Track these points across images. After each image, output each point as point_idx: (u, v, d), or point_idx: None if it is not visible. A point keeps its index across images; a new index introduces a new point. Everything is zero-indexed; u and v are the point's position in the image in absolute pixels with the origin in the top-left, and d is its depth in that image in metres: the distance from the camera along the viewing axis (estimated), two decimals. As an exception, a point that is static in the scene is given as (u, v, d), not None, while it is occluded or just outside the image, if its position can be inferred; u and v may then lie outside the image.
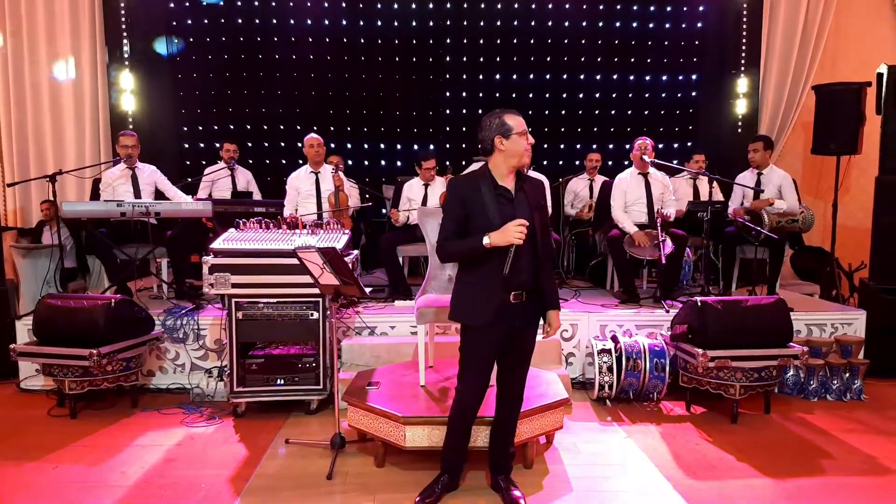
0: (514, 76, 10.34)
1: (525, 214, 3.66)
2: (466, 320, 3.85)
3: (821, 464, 4.66)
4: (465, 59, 10.23)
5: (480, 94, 10.33)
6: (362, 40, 10.06)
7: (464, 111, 10.30)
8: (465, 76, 10.29)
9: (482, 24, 10.12)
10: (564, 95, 10.41)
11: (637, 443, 5.02)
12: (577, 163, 9.81)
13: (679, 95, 10.42)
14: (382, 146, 10.38)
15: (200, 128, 10.07)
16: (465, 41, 10.18)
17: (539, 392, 4.77)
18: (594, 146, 10.05)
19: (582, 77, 10.38)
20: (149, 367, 6.21)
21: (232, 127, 10.02)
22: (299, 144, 7.49)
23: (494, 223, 3.61)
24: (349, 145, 10.28)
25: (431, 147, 10.04)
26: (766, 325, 5.50)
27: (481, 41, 10.19)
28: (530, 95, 10.36)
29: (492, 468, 4.21)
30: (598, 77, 10.37)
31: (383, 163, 10.40)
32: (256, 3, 9.95)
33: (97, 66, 8.93)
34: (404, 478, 4.35)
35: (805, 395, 6.15)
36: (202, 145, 10.04)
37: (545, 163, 10.15)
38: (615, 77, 10.38)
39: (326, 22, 9.99)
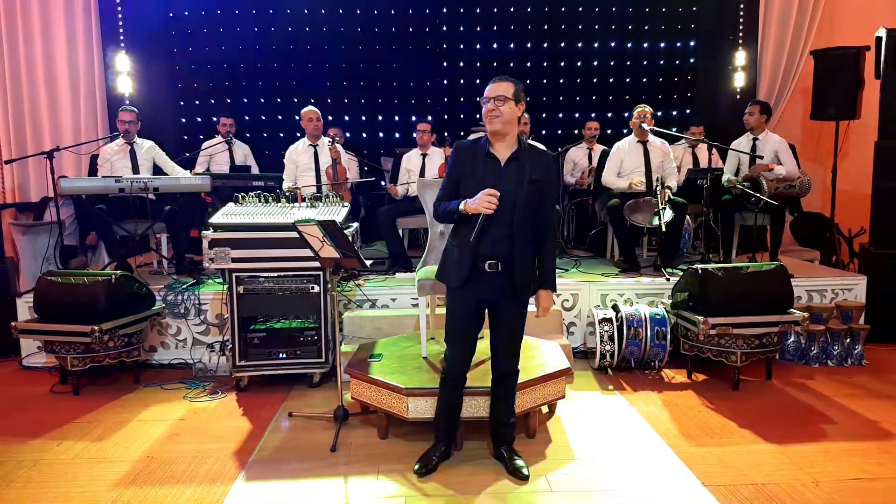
0: (512, 45, 10.26)
1: (509, 185, 3.70)
2: (444, 280, 3.97)
3: (822, 429, 4.68)
4: (461, 28, 10.16)
5: (477, 64, 10.26)
6: (358, 11, 9.97)
7: (461, 81, 10.24)
8: (462, 46, 10.22)
9: (478, -7, 10.06)
10: (562, 64, 10.33)
11: (639, 410, 5.04)
12: (577, 132, 9.77)
13: (677, 62, 10.35)
14: (380, 118, 10.34)
15: (197, 102, 10.01)
16: (461, 10, 10.09)
17: (541, 362, 4.79)
18: (593, 115, 9.99)
19: (580, 45, 10.29)
20: (150, 342, 6.23)
21: (229, 100, 9.97)
22: (297, 117, 7.46)
23: (477, 189, 3.66)
24: (347, 117, 10.24)
25: (429, 118, 9.99)
26: (766, 292, 5.51)
27: (478, 10, 10.10)
28: (528, 64, 10.28)
29: (493, 438, 4.23)
30: (595, 45, 10.28)
31: (381, 135, 10.36)
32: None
33: (92, 40, 8.86)
34: (408, 449, 4.37)
35: (806, 360, 6.16)
36: (199, 119, 9.99)
37: (543, 132, 10.13)
38: (613, 45, 10.29)
39: (322, -7, 9.92)
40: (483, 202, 3.58)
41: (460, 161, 3.88)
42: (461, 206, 3.68)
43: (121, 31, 9.14)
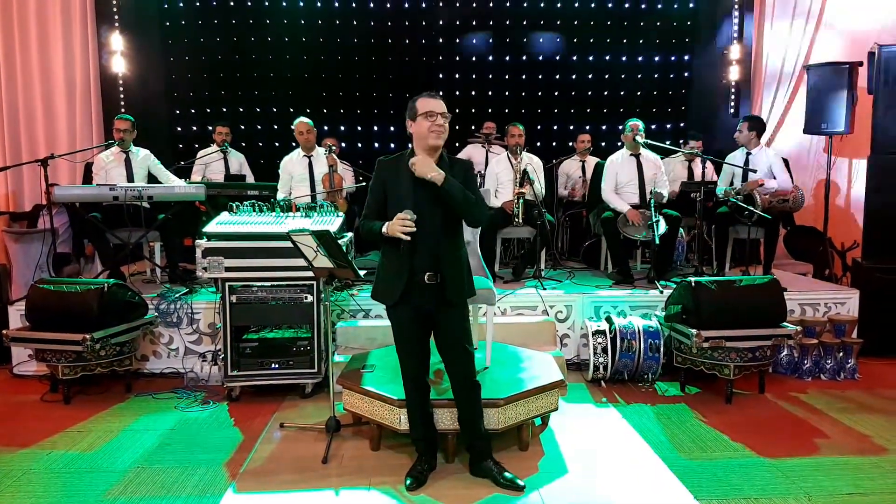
0: (507, 58, 10.30)
1: (434, 195, 3.77)
2: (380, 299, 4.03)
3: (815, 443, 4.68)
4: (458, 40, 10.19)
5: (473, 77, 10.29)
6: (355, 22, 10.01)
7: (457, 93, 10.26)
8: (457, 58, 10.25)
9: (475, 5, 10.07)
10: (557, 77, 10.37)
11: (632, 423, 5.03)
12: (571, 144, 9.81)
13: (671, 76, 10.39)
14: (376, 128, 10.34)
15: (193, 111, 10.01)
16: (458, 22, 10.13)
17: (534, 374, 4.78)
18: (587, 127, 10.01)
19: (574, 58, 10.33)
20: (143, 351, 6.19)
21: (224, 110, 9.98)
22: (292, 127, 7.46)
23: (405, 205, 3.75)
24: (342, 127, 10.24)
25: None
26: (759, 305, 5.51)
27: (474, 22, 10.14)
28: (523, 77, 10.32)
29: (472, 455, 4.20)
30: (590, 58, 10.33)
31: (377, 145, 10.36)
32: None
33: (88, 48, 8.86)
34: (400, 461, 4.35)
35: (799, 374, 6.17)
36: (195, 129, 9.98)
37: (538, 144, 10.13)
38: (607, 58, 10.34)
39: (319, 4, 9.93)
40: (398, 228, 3.68)
41: (384, 178, 3.94)
42: (383, 230, 3.77)
43: (118, 38, 9.13)
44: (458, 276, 3.91)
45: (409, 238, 3.67)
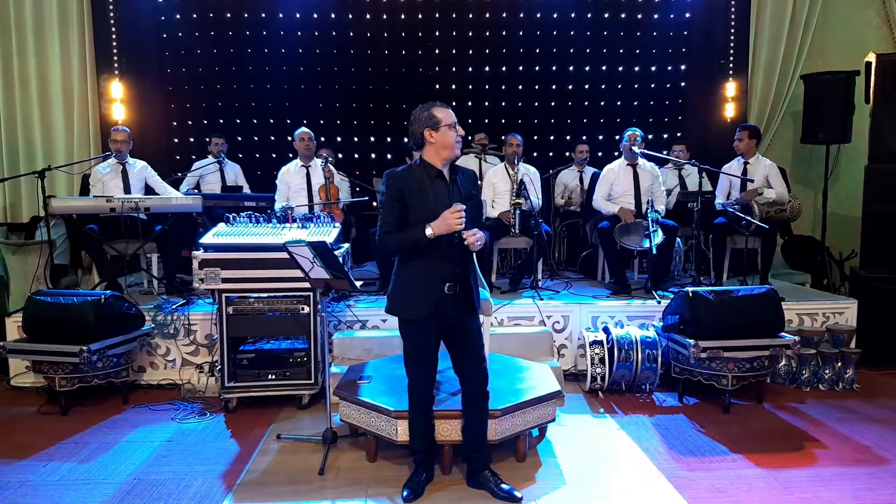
0: (504, 68, 10.28)
1: (459, 202, 3.76)
2: (405, 314, 3.95)
3: (813, 453, 4.67)
4: (454, 51, 10.18)
5: (470, 87, 10.27)
6: (351, 33, 10.00)
7: (453, 104, 10.14)
8: (454, 69, 10.23)
9: (471, 16, 10.07)
10: (553, 87, 10.36)
11: (630, 434, 5.02)
12: (567, 154, 9.80)
13: (667, 86, 10.37)
14: (372, 139, 10.33)
15: (190, 122, 10.00)
16: (454, 33, 10.12)
17: (531, 385, 4.77)
18: (583, 137, 10.01)
19: (571, 68, 10.32)
20: (139, 363, 6.18)
21: (221, 121, 9.95)
22: (289, 138, 7.45)
23: (436, 212, 3.71)
24: (339, 139, 10.22)
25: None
26: (757, 316, 5.50)
27: (470, 33, 10.13)
28: (519, 87, 10.31)
29: (472, 465, 4.17)
30: (586, 68, 10.31)
31: (373, 156, 10.35)
32: (245, -3, 9.90)
33: (86, 60, 8.86)
34: (397, 472, 4.34)
35: (797, 384, 6.15)
36: (192, 140, 9.96)
37: (535, 154, 10.13)
38: (604, 68, 10.32)
39: (315, 15, 9.93)
40: (452, 220, 3.64)
41: (401, 189, 3.84)
42: (428, 232, 3.68)
43: (114, 50, 9.14)
44: (476, 285, 3.95)
45: (461, 227, 3.66)
